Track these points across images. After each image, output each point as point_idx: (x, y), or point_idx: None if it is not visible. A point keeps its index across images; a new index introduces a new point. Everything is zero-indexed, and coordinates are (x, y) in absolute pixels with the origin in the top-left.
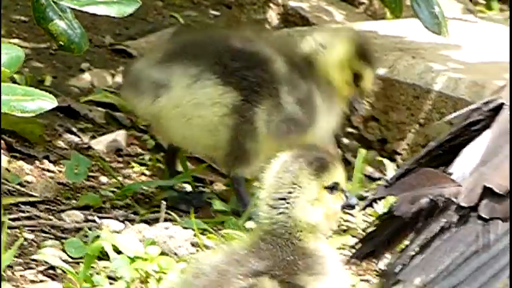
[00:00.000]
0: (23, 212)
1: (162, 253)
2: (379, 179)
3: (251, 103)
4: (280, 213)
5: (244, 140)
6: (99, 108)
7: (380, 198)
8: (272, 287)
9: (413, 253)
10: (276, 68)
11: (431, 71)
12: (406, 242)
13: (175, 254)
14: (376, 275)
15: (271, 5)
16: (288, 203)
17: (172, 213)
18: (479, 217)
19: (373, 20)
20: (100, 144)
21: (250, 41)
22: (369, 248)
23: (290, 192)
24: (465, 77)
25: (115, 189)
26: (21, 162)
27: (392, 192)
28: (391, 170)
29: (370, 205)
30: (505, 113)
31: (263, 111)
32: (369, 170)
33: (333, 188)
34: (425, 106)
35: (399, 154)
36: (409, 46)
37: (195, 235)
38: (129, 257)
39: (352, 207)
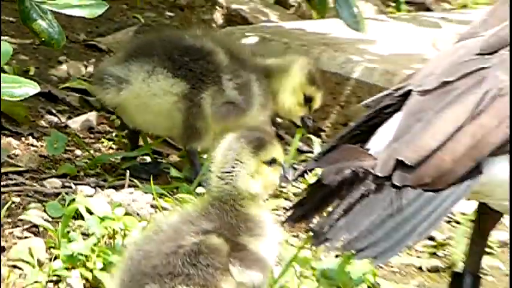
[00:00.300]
0: (11, 179)
1: (127, 214)
2: (308, 151)
3: (198, 90)
4: (226, 183)
5: (195, 121)
6: (74, 94)
7: (310, 170)
8: (218, 243)
9: (338, 216)
10: (218, 59)
11: (350, 62)
12: (332, 207)
13: (138, 214)
14: (305, 232)
15: (217, 7)
16: (232, 175)
17: (135, 181)
18: (393, 185)
19: (301, 20)
20: (75, 123)
21: (196, 38)
22: (301, 212)
23: (233, 167)
24: (378, 67)
25: (87, 161)
26: (9, 139)
27: (320, 165)
28: (317, 144)
29: (302, 175)
30: (412, 98)
31: (208, 96)
32: (299, 144)
33: (270, 162)
34: (345, 91)
35: (323, 131)
36: (331, 41)
37: (154, 199)
38: (99, 217)
39: (287, 179)
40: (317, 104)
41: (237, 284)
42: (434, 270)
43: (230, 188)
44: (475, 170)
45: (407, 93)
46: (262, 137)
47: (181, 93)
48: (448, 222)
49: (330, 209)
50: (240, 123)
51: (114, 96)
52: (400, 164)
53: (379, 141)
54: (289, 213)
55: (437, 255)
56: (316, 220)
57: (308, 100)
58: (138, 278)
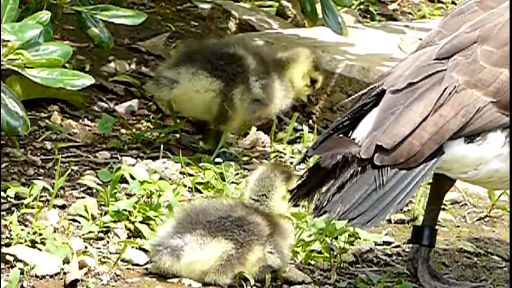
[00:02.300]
0: (70, 152)
1: (161, 178)
2: (301, 130)
3: (230, 87)
4: (261, 204)
5: (227, 111)
6: (120, 85)
7: (310, 156)
8: (260, 220)
9: (333, 193)
10: (247, 63)
11: (334, 60)
12: (328, 186)
13: (170, 179)
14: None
15: (231, 18)
16: (267, 198)
17: (167, 153)
18: (374, 165)
19: (297, 28)
20: (121, 108)
21: (229, 46)
22: (303, 191)
23: (269, 191)
24: (356, 64)
25: (130, 137)
26: (69, 120)
27: (317, 152)
28: (305, 126)
29: (302, 161)
30: (386, 96)
31: (238, 93)
32: (295, 124)
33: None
34: (330, 83)
35: (314, 114)
36: (320, 44)
37: (182, 167)
38: (139, 181)
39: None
40: (319, 84)
41: (260, 260)
42: (401, 222)
43: (263, 207)
44: (439, 151)
45: (382, 93)
46: (289, 171)
47: (217, 90)
48: None
49: (326, 187)
50: (264, 114)
51: (168, 93)
52: (379, 148)
53: (362, 132)
54: (293, 193)
55: (402, 210)
56: (316, 197)
57: (313, 82)
58: (193, 224)
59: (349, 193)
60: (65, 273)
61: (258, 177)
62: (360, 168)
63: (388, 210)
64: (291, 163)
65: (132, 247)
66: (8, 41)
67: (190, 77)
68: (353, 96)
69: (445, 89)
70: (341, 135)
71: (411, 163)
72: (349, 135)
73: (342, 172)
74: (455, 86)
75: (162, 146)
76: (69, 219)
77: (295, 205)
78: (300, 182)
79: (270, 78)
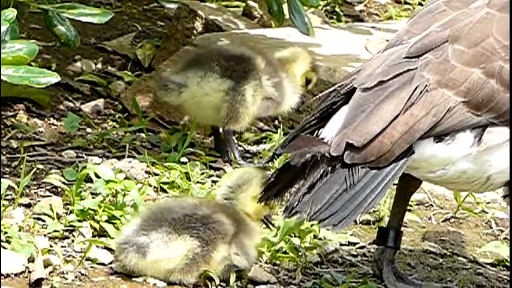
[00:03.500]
0: (36, 151)
1: (126, 178)
2: (267, 130)
3: (241, 83)
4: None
5: (239, 106)
6: (86, 85)
7: (278, 155)
8: (225, 220)
9: (303, 193)
10: (256, 63)
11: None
12: (298, 186)
13: (135, 178)
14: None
15: (197, 18)
16: (240, 191)
17: (133, 152)
18: (344, 163)
19: (263, 28)
20: (87, 107)
21: (237, 48)
22: (272, 191)
23: (244, 184)
24: (323, 64)
25: (96, 136)
26: (35, 119)
27: (287, 151)
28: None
29: (271, 160)
30: (356, 94)
31: (250, 88)
32: (261, 124)
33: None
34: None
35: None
36: (287, 44)
37: (147, 166)
38: (105, 180)
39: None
40: (311, 85)
41: (225, 259)
42: (366, 223)
43: (233, 200)
44: (409, 150)
45: (352, 91)
46: (266, 174)
47: (228, 88)
48: None
49: (296, 187)
50: (276, 112)
51: (175, 98)
52: (349, 146)
53: (331, 130)
54: (262, 193)
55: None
56: (286, 197)
57: (307, 82)
58: (158, 221)
59: (319, 193)
60: (29, 272)
61: (235, 177)
62: (330, 168)
63: (359, 211)
64: (258, 163)
65: (97, 246)
66: None
67: (199, 80)
68: (320, 94)
69: (416, 88)
70: (310, 134)
71: (382, 162)
72: (318, 133)
73: (311, 171)
74: (426, 85)
75: (127, 145)
76: (34, 218)
77: (266, 205)
78: (269, 182)
79: (280, 76)
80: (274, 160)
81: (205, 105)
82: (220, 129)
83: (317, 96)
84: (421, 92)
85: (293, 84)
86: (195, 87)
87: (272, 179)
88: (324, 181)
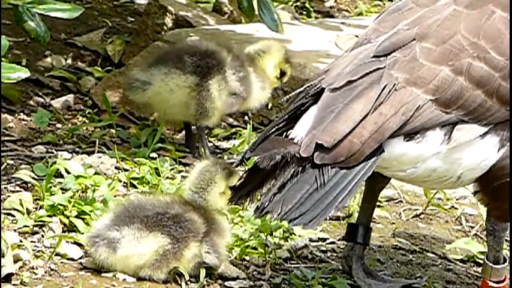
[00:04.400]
0: (6, 146)
1: (96, 173)
2: (236, 126)
3: (206, 78)
4: (200, 197)
5: (205, 101)
6: (56, 80)
7: (248, 158)
8: (197, 218)
9: (274, 193)
10: (221, 57)
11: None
12: (269, 186)
13: (105, 174)
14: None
15: (167, 13)
16: (205, 191)
17: (102, 147)
18: (314, 164)
19: (233, 24)
20: (57, 103)
21: (202, 43)
22: (244, 191)
23: (208, 186)
24: (293, 60)
25: (66, 132)
26: (5, 115)
27: (256, 153)
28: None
29: (241, 163)
30: (325, 94)
31: (215, 83)
32: (230, 120)
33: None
34: None
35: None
36: (256, 40)
37: (117, 162)
38: (74, 176)
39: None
40: (287, 77)
41: (196, 257)
42: (335, 219)
43: (201, 200)
44: (379, 149)
45: (321, 91)
46: (233, 169)
47: (193, 84)
48: None
49: (267, 187)
50: (244, 108)
51: (142, 96)
52: (319, 147)
53: (301, 131)
54: (233, 193)
55: None
56: (257, 197)
57: (282, 74)
58: (130, 217)
59: (290, 193)
60: None
61: (199, 171)
62: (300, 168)
63: (330, 210)
64: (228, 159)
65: (67, 241)
66: None
67: (163, 77)
68: (289, 95)
69: (385, 86)
70: (279, 135)
71: (351, 162)
72: (288, 135)
73: (282, 172)
74: (394, 84)
75: (97, 140)
76: (4, 213)
77: (236, 205)
78: (240, 182)
79: (246, 71)
80: (244, 163)
81: (171, 102)
82: (193, 126)
83: (286, 98)
84: (389, 91)
85: (262, 79)
86: (160, 84)
87: (243, 179)
88: (294, 181)
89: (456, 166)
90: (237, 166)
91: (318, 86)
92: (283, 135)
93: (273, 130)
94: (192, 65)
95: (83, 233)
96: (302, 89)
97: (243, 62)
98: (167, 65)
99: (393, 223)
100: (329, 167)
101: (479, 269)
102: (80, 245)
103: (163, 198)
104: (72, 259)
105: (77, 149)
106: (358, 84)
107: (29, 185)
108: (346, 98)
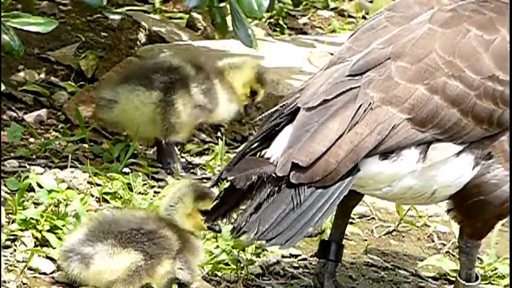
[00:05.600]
0: None
1: (69, 188)
2: (209, 141)
3: (170, 94)
4: (168, 214)
5: (170, 117)
6: (29, 95)
7: (224, 179)
8: (171, 235)
9: (251, 213)
10: (185, 72)
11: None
12: (245, 206)
13: (77, 188)
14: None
15: (141, 29)
16: (174, 210)
17: (75, 162)
18: (290, 183)
19: (207, 40)
20: (30, 117)
21: (165, 59)
22: (220, 212)
23: (176, 204)
24: (267, 79)
25: (39, 146)
26: None
27: (232, 174)
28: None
29: (216, 183)
30: (301, 114)
31: (179, 97)
32: (203, 136)
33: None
34: None
35: (223, 126)
36: (230, 56)
37: (90, 176)
38: (47, 190)
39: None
40: (259, 98)
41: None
42: (308, 235)
43: (171, 218)
44: (354, 169)
45: (296, 110)
46: (207, 192)
47: (157, 100)
48: None
49: (244, 207)
50: (211, 120)
51: (110, 114)
52: (295, 166)
53: (276, 150)
54: (210, 213)
55: None
56: (233, 217)
57: (253, 93)
58: (105, 233)
59: (266, 213)
60: None
61: (176, 188)
62: (276, 188)
63: (306, 230)
64: (201, 174)
65: (39, 256)
66: None
67: (128, 95)
68: (263, 115)
69: (360, 106)
70: (255, 155)
71: (327, 181)
72: (263, 154)
73: (258, 192)
74: (370, 103)
75: (70, 155)
76: None
77: (212, 226)
78: (216, 202)
79: (211, 83)
80: (220, 183)
81: (138, 119)
82: (163, 141)
83: (259, 116)
84: (365, 110)
85: (229, 91)
86: (125, 102)
87: (219, 200)
88: (270, 201)
89: (431, 183)
90: (212, 186)
91: (293, 105)
92: (259, 155)
93: (248, 150)
94: (156, 81)
95: (55, 248)
96: (276, 108)
97: (208, 75)
98: (132, 83)
99: (365, 240)
100: (305, 187)
101: (451, 287)
102: (52, 259)
103: (138, 214)
104: (44, 273)
105: (50, 164)
106: (333, 103)
107: (2, 199)
108: (322, 117)
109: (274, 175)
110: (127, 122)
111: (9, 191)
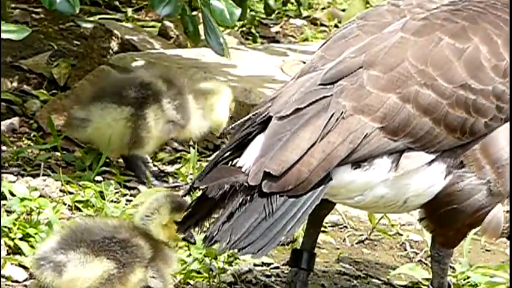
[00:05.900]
0: None
1: (41, 196)
2: (182, 150)
3: (142, 108)
4: (143, 224)
5: (141, 131)
6: (2, 103)
7: (196, 188)
8: (144, 244)
9: (223, 222)
10: (157, 87)
11: (216, 81)
12: (217, 215)
13: (50, 196)
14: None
15: (113, 37)
16: (149, 220)
17: (48, 170)
18: (263, 193)
19: (179, 48)
20: (2, 126)
21: (136, 75)
22: (192, 221)
23: (152, 214)
24: (238, 85)
25: (11, 154)
26: None
27: (204, 183)
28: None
29: (188, 193)
30: (272, 123)
31: (151, 112)
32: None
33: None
34: None
35: None
36: (202, 65)
37: (62, 185)
38: (19, 198)
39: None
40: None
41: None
42: (280, 244)
43: (145, 228)
44: (327, 178)
45: (268, 119)
46: (184, 204)
47: (129, 115)
48: None
49: (216, 216)
50: (181, 136)
51: (83, 133)
52: (267, 175)
53: (248, 159)
54: (181, 224)
55: None
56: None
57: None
58: (77, 241)
59: (239, 222)
60: None
61: (153, 198)
62: (248, 197)
63: (279, 239)
64: (173, 182)
65: (12, 264)
66: None
67: (101, 113)
68: (235, 124)
69: (332, 114)
70: (227, 164)
71: (299, 190)
72: (235, 163)
73: (230, 201)
74: (342, 112)
75: (42, 163)
76: None
77: (187, 238)
78: (188, 211)
79: (184, 99)
80: (192, 193)
81: (111, 136)
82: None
83: (233, 125)
84: (337, 119)
85: (202, 107)
86: (98, 120)
87: (191, 209)
88: (242, 210)
89: (403, 192)
90: (184, 195)
91: (265, 114)
92: (231, 164)
93: (220, 159)
94: (127, 97)
95: (27, 256)
96: (248, 116)
97: (180, 90)
98: (104, 100)
99: (337, 248)
100: (277, 196)
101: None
102: (24, 267)
103: (111, 222)
104: (16, 281)
105: (22, 172)
106: (305, 112)
107: None
108: (294, 126)
109: (246, 184)
110: (100, 139)
111: None
